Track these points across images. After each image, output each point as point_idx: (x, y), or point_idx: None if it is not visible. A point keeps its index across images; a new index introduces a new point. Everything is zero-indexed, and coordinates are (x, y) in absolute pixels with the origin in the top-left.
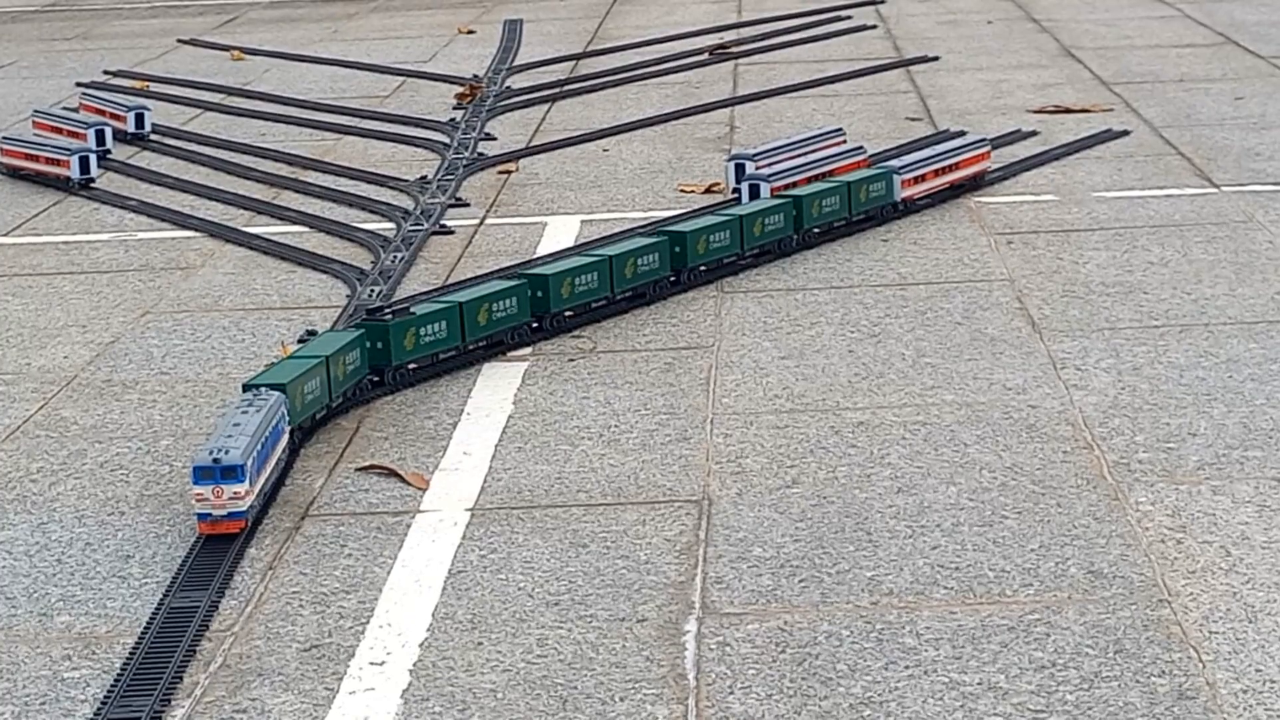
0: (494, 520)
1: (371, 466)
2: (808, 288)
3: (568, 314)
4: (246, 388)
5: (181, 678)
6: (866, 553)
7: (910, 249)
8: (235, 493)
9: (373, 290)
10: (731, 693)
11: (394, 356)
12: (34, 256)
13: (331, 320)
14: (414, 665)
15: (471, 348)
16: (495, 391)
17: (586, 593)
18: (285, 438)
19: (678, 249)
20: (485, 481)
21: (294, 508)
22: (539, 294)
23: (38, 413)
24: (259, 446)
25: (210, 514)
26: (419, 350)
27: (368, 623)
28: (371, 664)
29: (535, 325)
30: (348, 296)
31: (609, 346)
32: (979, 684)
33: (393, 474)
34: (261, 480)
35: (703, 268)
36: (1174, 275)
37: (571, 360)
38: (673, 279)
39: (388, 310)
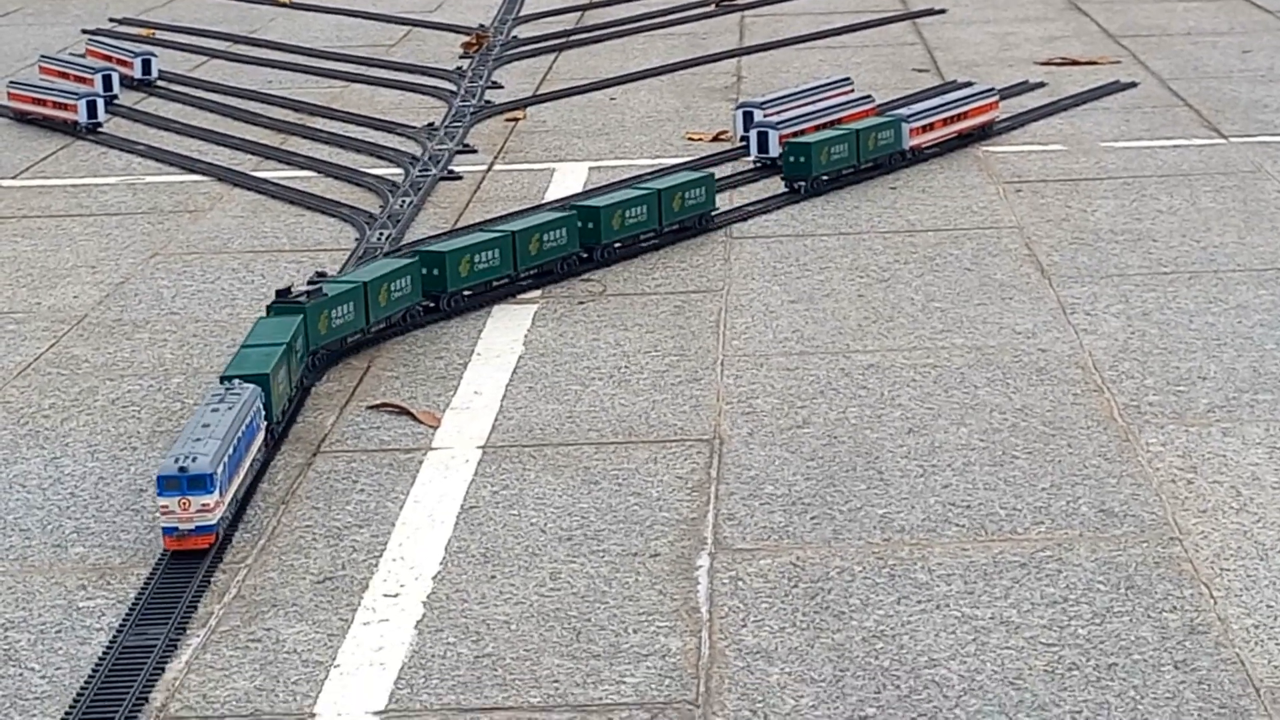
0: (506, 457)
1: (383, 405)
2: (816, 234)
3: (466, 293)
4: (224, 379)
5: (196, 608)
6: (878, 491)
7: (919, 197)
8: (204, 504)
9: (382, 233)
10: (744, 626)
11: (310, 340)
12: (42, 199)
13: (341, 262)
14: (428, 597)
15: (375, 330)
16: (505, 333)
17: (599, 528)
18: (261, 435)
19: (590, 224)
20: (496, 420)
21: (306, 444)
22: (434, 272)
23: (48, 350)
24: (230, 450)
25: (176, 528)
26: (332, 334)
27: (381, 556)
28: (385, 596)
29: (431, 305)
30: (356, 239)
31: (619, 289)
32: (991, 618)
33: (404, 412)
34: (233, 488)
35: (618, 245)
36: (1183, 223)
37: (581, 303)
38: (584, 255)
39: (302, 292)
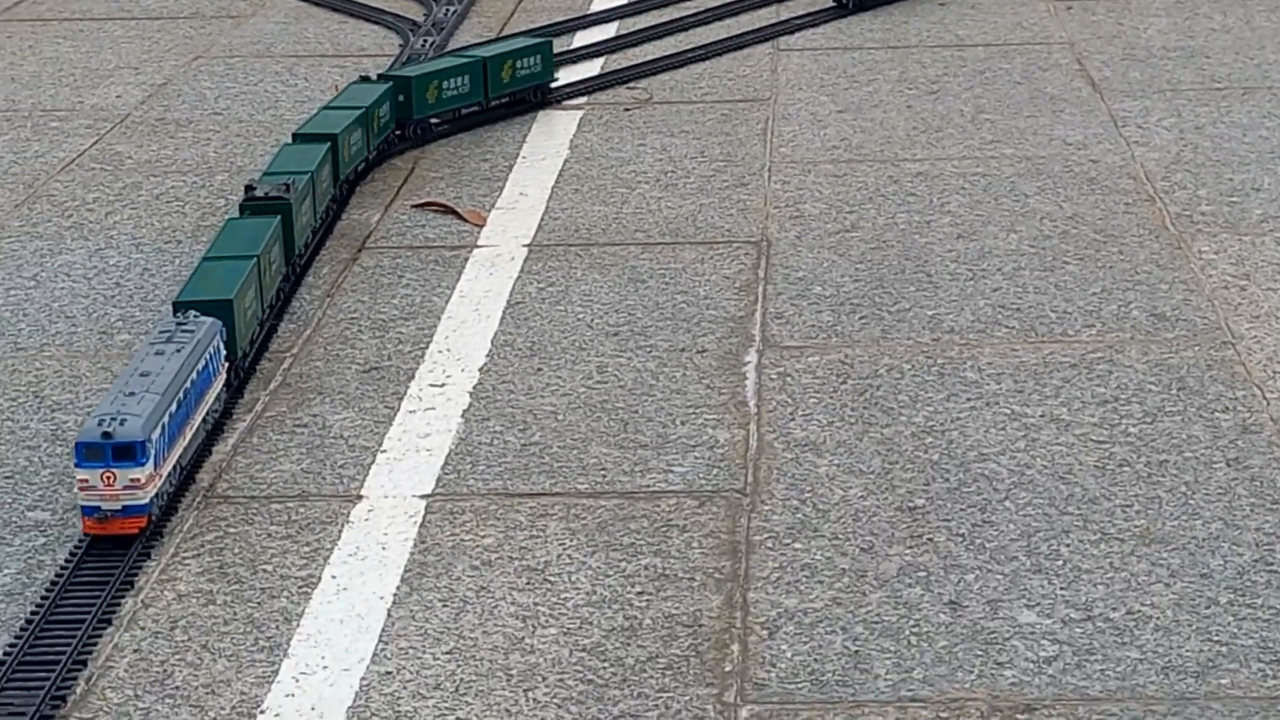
0: (552, 256)
1: (428, 204)
2: (864, 47)
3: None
4: (177, 308)
5: (242, 393)
6: (927, 293)
7: (968, 13)
8: (133, 479)
9: (426, 40)
10: (793, 419)
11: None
12: (84, 2)
13: (384, 68)
14: (474, 388)
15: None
16: (551, 137)
17: (646, 324)
18: (220, 380)
19: (401, 97)
20: (542, 220)
21: (351, 241)
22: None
23: (92, 147)
24: (172, 408)
25: (98, 508)
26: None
27: (427, 348)
28: (431, 385)
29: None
30: (400, 46)
31: (665, 97)
32: (1041, 416)
33: (449, 211)
34: (175, 456)
35: (434, 120)
36: (1237, 41)
37: (628, 109)
38: (397, 133)
39: (268, 191)
